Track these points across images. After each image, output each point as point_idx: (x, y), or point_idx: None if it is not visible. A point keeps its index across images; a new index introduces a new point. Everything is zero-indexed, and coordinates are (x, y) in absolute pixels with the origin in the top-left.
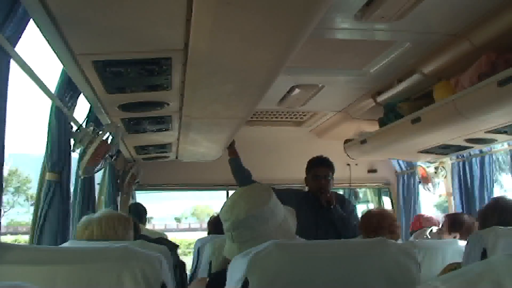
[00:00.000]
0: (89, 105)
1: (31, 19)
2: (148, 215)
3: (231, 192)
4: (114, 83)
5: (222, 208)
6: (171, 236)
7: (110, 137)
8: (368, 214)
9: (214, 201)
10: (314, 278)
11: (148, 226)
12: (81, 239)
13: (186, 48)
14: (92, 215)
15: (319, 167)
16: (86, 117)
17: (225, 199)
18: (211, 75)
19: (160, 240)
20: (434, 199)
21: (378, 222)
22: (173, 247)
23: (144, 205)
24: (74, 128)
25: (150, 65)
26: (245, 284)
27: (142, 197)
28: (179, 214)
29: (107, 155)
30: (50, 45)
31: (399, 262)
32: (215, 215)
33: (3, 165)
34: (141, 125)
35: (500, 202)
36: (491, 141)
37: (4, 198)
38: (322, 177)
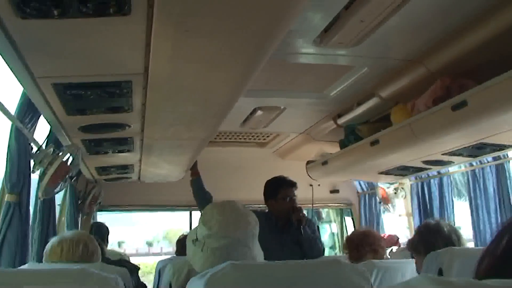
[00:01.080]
0: (49, 126)
1: None
2: (119, 239)
3: (194, 213)
4: (74, 105)
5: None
6: (143, 261)
7: (71, 158)
8: (352, 233)
9: (186, 224)
10: None
11: (119, 250)
12: (51, 260)
13: (146, 71)
14: (63, 234)
15: (289, 188)
16: (46, 138)
17: (193, 222)
18: (172, 97)
19: (121, 262)
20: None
21: (360, 241)
22: (134, 268)
23: (115, 228)
24: (34, 149)
25: (111, 87)
26: None
27: (112, 221)
28: (151, 238)
29: (67, 176)
30: (9, 67)
31: (353, 283)
32: (185, 234)
33: None
34: (102, 147)
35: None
36: (448, 163)
37: None
38: (293, 198)
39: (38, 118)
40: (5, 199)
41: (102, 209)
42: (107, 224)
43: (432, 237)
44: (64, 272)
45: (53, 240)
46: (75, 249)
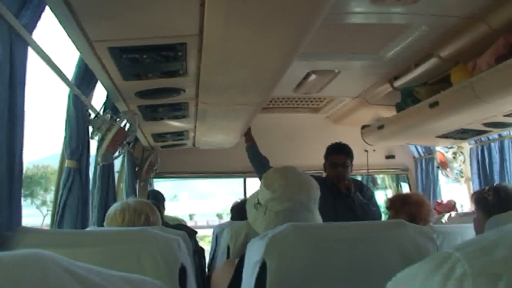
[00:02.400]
0: (106, 93)
1: (47, 6)
2: (190, 212)
3: (249, 180)
4: (130, 70)
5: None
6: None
7: (128, 124)
8: (394, 195)
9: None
10: (331, 260)
11: (191, 223)
12: (112, 226)
13: (201, 33)
14: (125, 201)
15: (338, 155)
16: (104, 104)
17: (247, 188)
18: (226, 61)
19: (179, 226)
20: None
21: (400, 204)
22: (192, 232)
23: (188, 202)
24: (92, 115)
25: (166, 50)
26: (263, 266)
27: (185, 195)
28: (221, 210)
29: (125, 142)
30: (66, 32)
31: (417, 244)
32: (238, 201)
33: (22, 155)
34: (158, 113)
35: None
36: (510, 125)
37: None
38: (340, 165)
39: (95, 85)
40: (65, 165)
41: (158, 176)
42: (181, 198)
43: (509, 202)
44: (127, 233)
45: (115, 207)
46: (136, 218)
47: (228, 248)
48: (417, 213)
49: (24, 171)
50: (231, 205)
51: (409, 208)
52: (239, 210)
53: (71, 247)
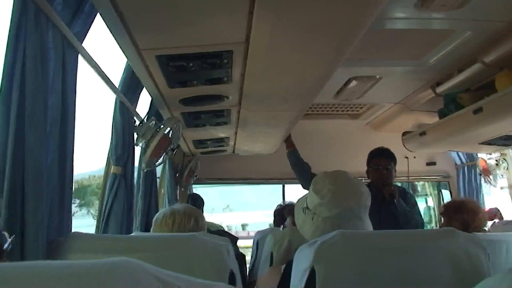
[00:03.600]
0: (149, 100)
1: (97, 15)
2: (243, 222)
3: (288, 186)
4: (176, 78)
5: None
6: None
7: (171, 131)
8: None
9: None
10: (380, 268)
11: (244, 233)
12: (161, 230)
13: (247, 41)
14: (173, 207)
15: (381, 158)
16: (148, 111)
17: (286, 195)
18: (270, 68)
19: (220, 232)
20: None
21: (454, 210)
22: (233, 238)
23: (240, 212)
24: (137, 122)
25: (212, 58)
26: (312, 273)
27: (238, 206)
28: (271, 221)
29: (168, 149)
30: (116, 40)
31: (468, 253)
32: (281, 204)
33: (73, 161)
34: (200, 119)
35: None
36: None
37: None
38: (384, 168)
39: (140, 92)
40: (111, 171)
41: (198, 182)
42: (235, 209)
43: None
44: (177, 239)
45: (164, 211)
46: (186, 222)
47: (271, 254)
48: (470, 221)
49: (81, 181)
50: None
51: (462, 216)
52: (278, 214)
53: (122, 252)
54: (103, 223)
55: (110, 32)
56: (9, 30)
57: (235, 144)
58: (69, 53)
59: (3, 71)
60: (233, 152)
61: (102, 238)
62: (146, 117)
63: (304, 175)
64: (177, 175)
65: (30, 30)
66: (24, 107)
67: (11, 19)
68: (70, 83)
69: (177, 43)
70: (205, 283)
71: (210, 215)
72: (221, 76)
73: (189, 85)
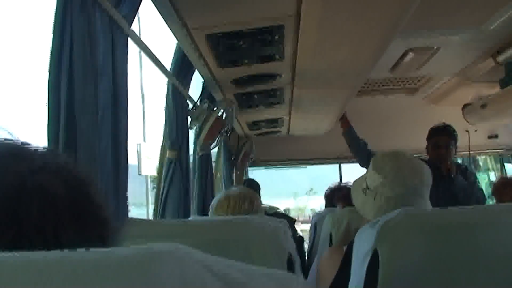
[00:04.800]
0: (201, 83)
1: None
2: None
3: (344, 166)
4: (227, 57)
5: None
6: None
7: (224, 113)
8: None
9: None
10: (449, 248)
11: None
12: (217, 213)
13: (298, 14)
14: (228, 190)
15: (441, 136)
16: (200, 94)
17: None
18: (324, 42)
19: (278, 214)
20: None
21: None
22: (291, 220)
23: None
24: (190, 106)
25: (262, 34)
26: (374, 255)
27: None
28: None
29: (222, 131)
30: (165, 21)
31: None
32: (331, 187)
33: (127, 146)
34: (253, 100)
35: None
36: None
37: None
38: (443, 147)
39: (192, 75)
40: (166, 156)
41: (253, 164)
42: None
43: None
44: (233, 222)
45: (219, 195)
46: (241, 204)
47: (330, 235)
48: None
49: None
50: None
51: None
52: (331, 197)
53: (178, 237)
54: (161, 208)
55: (159, 13)
56: (55, 14)
57: (289, 124)
58: (118, 36)
59: (51, 55)
60: (288, 132)
61: (157, 223)
62: (199, 100)
63: (361, 154)
64: (232, 159)
65: (76, 13)
66: (73, 91)
67: (57, 2)
68: (121, 67)
69: (226, 21)
70: (267, 272)
71: (294, 200)
72: (273, 53)
73: (241, 64)
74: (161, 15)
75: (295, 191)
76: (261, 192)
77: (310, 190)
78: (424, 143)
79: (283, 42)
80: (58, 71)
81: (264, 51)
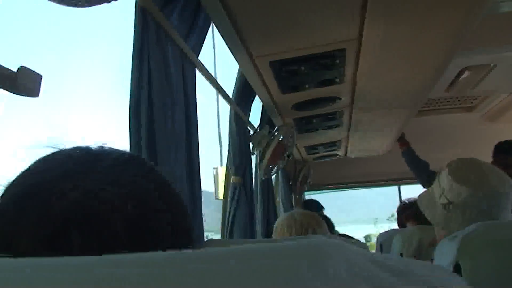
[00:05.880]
0: (260, 109)
1: (210, 27)
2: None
3: (403, 188)
4: (288, 82)
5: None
6: None
7: (284, 138)
8: None
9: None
10: None
11: None
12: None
13: (360, 36)
14: (291, 213)
15: (508, 154)
16: (260, 120)
17: (402, 196)
18: (384, 63)
19: (345, 237)
20: None
21: None
22: (361, 244)
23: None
24: (251, 132)
25: (324, 59)
26: (456, 269)
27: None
28: None
29: (284, 156)
30: (231, 50)
31: None
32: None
33: (200, 174)
34: (312, 124)
35: None
36: None
37: None
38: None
39: (252, 102)
40: (231, 181)
41: (311, 188)
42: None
43: None
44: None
45: (282, 220)
46: (303, 234)
47: (401, 255)
48: None
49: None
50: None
51: None
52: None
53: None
54: (227, 232)
55: (226, 44)
56: (134, 46)
57: (347, 146)
58: (187, 67)
59: (131, 86)
60: (345, 154)
61: (239, 242)
62: (259, 126)
63: (421, 174)
64: (290, 183)
65: (152, 46)
66: (153, 121)
67: (134, 36)
68: (191, 97)
69: (290, 48)
70: (424, 264)
71: (374, 226)
72: (333, 77)
73: (301, 89)
74: (227, 44)
75: (376, 216)
76: (339, 217)
77: (391, 216)
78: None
79: (344, 65)
80: (138, 102)
81: (324, 75)
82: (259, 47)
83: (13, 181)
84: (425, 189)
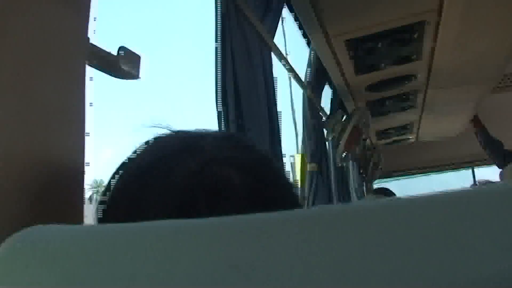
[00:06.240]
0: (331, 94)
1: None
2: None
3: (477, 170)
4: (364, 62)
5: None
6: None
7: (359, 122)
8: None
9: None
10: None
11: None
12: None
13: (440, 7)
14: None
15: None
16: (331, 105)
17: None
18: (466, 33)
19: None
20: None
21: None
22: None
23: None
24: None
25: (402, 33)
26: None
27: None
28: None
29: (359, 140)
30: (307, 30)
31: None
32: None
33: (282, 154)
34: (384, 106)
35: None
36: None
37: None
38: None
39: (324, 87)
40: (308, 169)
41: (382, 175)
42: None
43: None
44: None
45: None
46: None
47: None
48: None
49: None
50: None
51: None
52: None
53: None
54: None
55: (302, 23)
56: (216, 30)
57: (418, 129)
58: (265, 51)
59: (216, 69)
60: (417, 138)
61: None
62: (330, 111)
63: (497, 154)
64: (360, 171)
65: (234, 29)
66: (240, 104)
67: (216, 19)
68: (270, 80)
69: (366, 23)
70: None
71: None
72: (410, 53)
73: (377, 68)
74: (304, 25)
75: None
76: None
77: None
78: None
79: (422, 39)
80: (224, 86)
81: (401, 52)
82: (336, 25)
83: (130, 159)
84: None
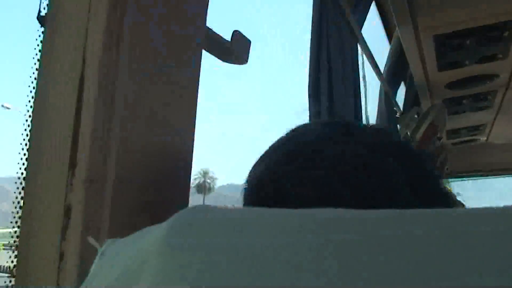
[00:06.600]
0: (405, 90)
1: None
2: None
3: None
4: (448, 59)
5: None
6: None
7: (435, 119)
8: None
9: None
10: None
11: None
12: None
13: None
14: None
15: None
16: (404, 101)
17: None
18: None
19: None
20: None
21: None
22: None
23: None
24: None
25: (491, 31)
26: None
27: None
28: None
29: (436, 137)
30: (396, 22)
31: None
32: None
33: None
34: (461, 105)
35: None
36: None
37: None
38: None
39: (401, 82)
40: None
41: (448, 176)
42: None
43: None
44: None
45: None
46: None
47: None
48: None
49: None
50: None
51: None
52: None
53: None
54: None
55: (394, 16)
56: (312, 23)
57: (490, 131)
58: (353, 42)
59: (311, 57)
60: (487, 139)
61: None
62: (403, 107)
63: None
64: None
65: (330, 23)
66: (332, 99)
67: (313, 13)
68: (356, 72)
69: (457, 18)
70: None
71: None
72: (496, 52)
73: (460, 65)
74: (396, 18)
75: None
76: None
77: None
78: None
79: (511, 38)
80: (317, 77)
81: (487, 51)
82: (427, 19)
83: (272, 148)
84: None
